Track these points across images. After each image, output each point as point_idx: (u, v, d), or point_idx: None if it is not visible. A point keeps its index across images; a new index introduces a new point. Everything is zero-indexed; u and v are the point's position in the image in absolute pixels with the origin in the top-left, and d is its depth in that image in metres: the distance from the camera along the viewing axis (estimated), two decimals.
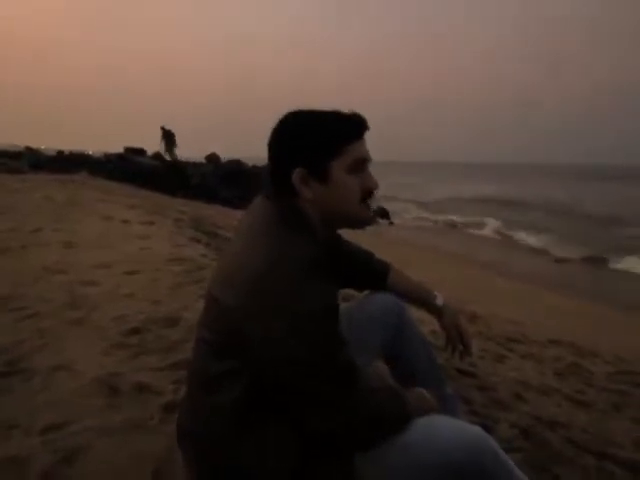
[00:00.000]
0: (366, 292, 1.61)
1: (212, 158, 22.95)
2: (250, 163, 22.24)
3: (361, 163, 1.12)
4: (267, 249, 1.01)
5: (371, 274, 1.56)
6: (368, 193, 1.14)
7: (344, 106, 1.12)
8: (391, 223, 19.76)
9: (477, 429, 1.05)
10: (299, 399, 1.02)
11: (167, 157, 20.99)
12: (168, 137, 20.95)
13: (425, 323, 2.76)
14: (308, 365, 0.97)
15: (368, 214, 1.16)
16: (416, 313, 1.64)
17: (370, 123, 1.14)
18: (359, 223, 1.16)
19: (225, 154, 24.02)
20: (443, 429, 1.06)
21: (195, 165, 21.50)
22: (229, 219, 10.28)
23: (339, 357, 1.01)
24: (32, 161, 19.01)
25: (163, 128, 20.99)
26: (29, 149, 24.41)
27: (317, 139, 1.08)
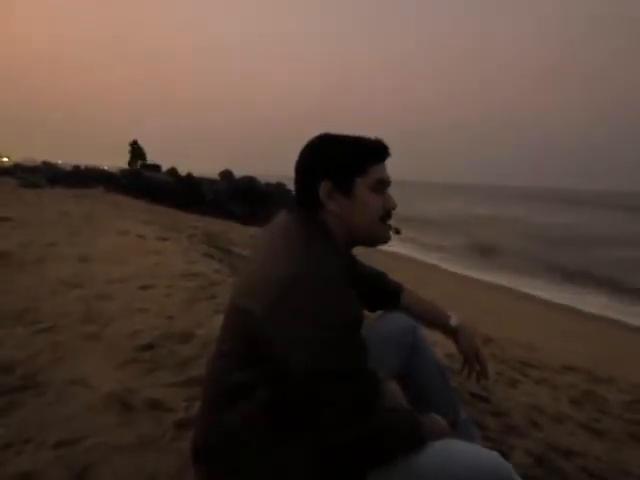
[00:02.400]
0: (378, 313, 1.60)
1: (226, 174, 23.18)
2: (263, 180, 22.43)
3: (383, 184, 1.20)
4: (293, 259, 1.03)
5: (384, 294, 1.56)
6: (388, 213, 1.21)
7: (341, 122, 1.15)
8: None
9: (495, 455, 1.04)
10: (322, 408, 1.01)
11: (131, 167, 22.80)
12: (135, 151, 22.45)
13: (439, 345, 2.74)
14: (336, 374, 0.98)
15: (387, 233, 1.23)
16: (430, 334, 1.63)
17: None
18: (378, 241, 1.23)
19: (239, 171, 24.33)
20: (460, 453, 1.05)
21: (209, 181, 21.72)
22: (241, 235, 10.35)
23: (366, 366, 1.03)
24: (49, 175, 19.29)
25: (134, 142, 22.45)
26: (46, 163, 24.80)
27: (346, 155, 1.17)
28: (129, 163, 23.08)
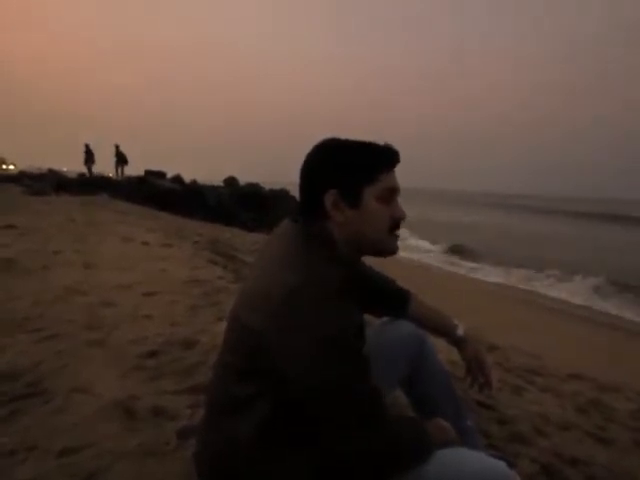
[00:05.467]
0: (385, 319, 1.59)
1: (230, 181, 23.27)
2: (267, 187, 22.47)
3: (392, 193, 1.14)
4: (295, 272, 1.01)
5: (392, 301, 1.54)
6: (396, 223, 1.15)
7: (344, 126, 1.10)
8: None
9: (502, 465, 1.04)
10: (323, 423, 1.01)
11: (87, 172, 22.49)
12: (88, 154, 22.05)
13: (441, 351, 2.72)
14: (337, 387, 0.96)
15: (394, 244, 1.18)
16: (432, 341, 1.62)
17: None
18: (385, 252, 1.17)
19: (243, 177, 24.39)
20: (467, 463, 1.04)
21: (214, 188, 21.79)
22: (246, 242, 10.36)
23: (367, 379, 1.01)
24: (54, 183, 19.41)
25: (87, 146, 22.06)
26: (52, 171, 24.97)
27: (353, 164, 1.11)
28: (85, 166, 22.67)
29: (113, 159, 22.73)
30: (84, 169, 22.57)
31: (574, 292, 10.97)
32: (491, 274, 13.26)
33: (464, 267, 14.49)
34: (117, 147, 22.49)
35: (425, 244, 19.19)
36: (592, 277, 11.77)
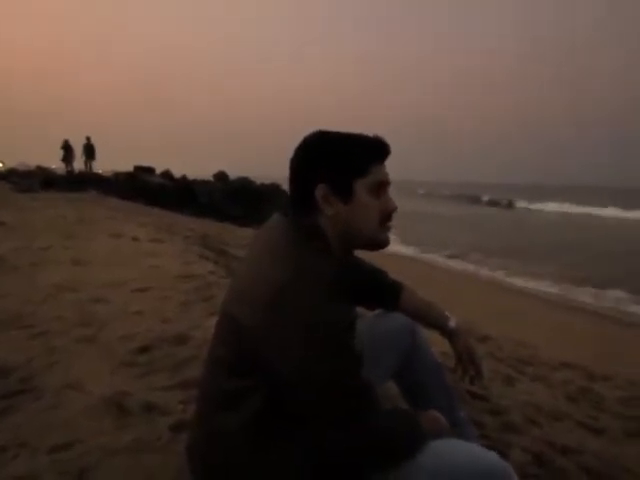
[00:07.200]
0: (377, 311, 1.59)
1: (220, 176, 23.13)
2: (258, 181, 22.35)
3: (382, 185, 1.12)
4: (285, 265, 1.00)
5: (383, 293, 1.54)
6: (387, 216, 1.14)
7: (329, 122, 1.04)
8: None
9: (494, 455, 1.04)
10: (315, 417, 1.01)
11: (67, 167, 22.20)
12: (68, 150, 21.64)
13: (434, 343, 2.73)
14: (328, 382, 0.96)
15: (385, 237, 1.16)
16: (425, 333, 1.63)
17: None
18: (376, 245, 1.16)
19: (233, 172, 24.22)
20: (459, 453, 1.04)
21: (203, 183, 21.66)
22: (237, 236, 10.33)
23: (358, 374, 1.01)
24: (43, 180, 19.20)
25: (66, 142, 21.59)
26: (40, 168, 24.68)
27: (343, 156, 1.09)
28: (63, 161, 22.07)
29: (81, 151, 21.92)
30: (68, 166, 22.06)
31: (566, 282, 11.02)
32: (482, 266, 13.28)
33: (453, 260, 14.50)
34: (88, 139, 21.75)
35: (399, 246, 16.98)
36: (583, 268, 11.83)
